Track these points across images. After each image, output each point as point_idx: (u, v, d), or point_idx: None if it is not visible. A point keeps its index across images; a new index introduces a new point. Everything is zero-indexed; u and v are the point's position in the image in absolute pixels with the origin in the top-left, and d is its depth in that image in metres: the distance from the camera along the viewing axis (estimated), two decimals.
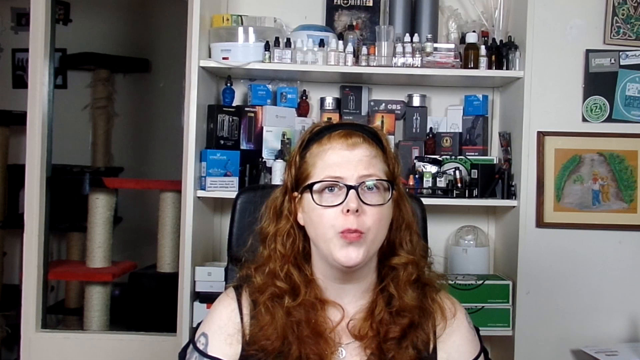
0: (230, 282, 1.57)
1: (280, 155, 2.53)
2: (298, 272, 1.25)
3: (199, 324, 1.33)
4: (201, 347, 1.27)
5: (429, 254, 1.33)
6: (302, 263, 1.26)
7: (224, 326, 1.26)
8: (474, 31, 2.58)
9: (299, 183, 1.25)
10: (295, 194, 1.26)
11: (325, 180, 1.20)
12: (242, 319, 1.26)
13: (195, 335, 1.31)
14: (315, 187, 1.20)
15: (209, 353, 1.26)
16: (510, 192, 2.52)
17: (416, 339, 1.24)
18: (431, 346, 1.26)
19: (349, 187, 1.18)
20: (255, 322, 1.24)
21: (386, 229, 1.24)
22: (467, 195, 2.52)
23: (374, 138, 1.25)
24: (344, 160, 1.20)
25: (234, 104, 2.67)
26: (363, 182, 1.19)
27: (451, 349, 1.28)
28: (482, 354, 1.32)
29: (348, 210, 1.17)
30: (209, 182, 2.46)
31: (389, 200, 1.22)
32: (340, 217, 1.18)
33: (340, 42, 2.54)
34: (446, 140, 2.68)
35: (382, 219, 1.21)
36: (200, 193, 2.47)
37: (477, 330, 1.35)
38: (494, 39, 2.57)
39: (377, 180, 1.20)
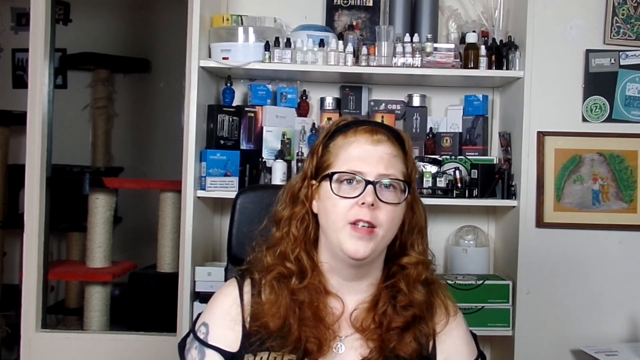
0: (236, 270, 1.57)
1: (280, 155, 2.53)
2: (307, 257, 1.27)
3: (199, 315, 1.34)
4: (202, 337, 1.28)
5: (433, 261, 1.35)
6: (311, 249, 1.28)
7: (225, 314, 1.28)
8: (474, 31, 2.58)
9: (319, 172, 1.27)
10: (314, 182, 1.28)
11: (346, 172, 1.22)
12: (242, 305, 1.27)
13: (195, 324, 1.31)
14: (335, 176, 1.22)
15: (210, 342, 1.26)
16: (510, 192, 2.52)
17: (418, 332, 1.25)
18: (430, 344, 1.27)
19: (368, 182, 1.20)
20: (258, 300, 1.26)
21: (396, 229, 1.26)
22: (467, 195, 2.51)
23: (398, 139, 1.28)
24: (366, 155, 1.23)
25: (234, 104, 2.67)
26: (381, 179, 1.21)
27: (450, 349, 1.29)
28: (480, 359, 1.33)
29: (363, 203, 1.19)
30: (209, 182, 2.46)
31: (403, 200, 1.24)
32: (354, 209, 1.20)
33: (340, 42, 2.54)
34: (446, 140, 2.68)
35: (395, 217, 1.23)
36: (200, 193, 2.47)
37: (475, 337, 1.36)
38: (494, 39, 2.57)
39: (395, 180, 1.22)
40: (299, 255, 1.26)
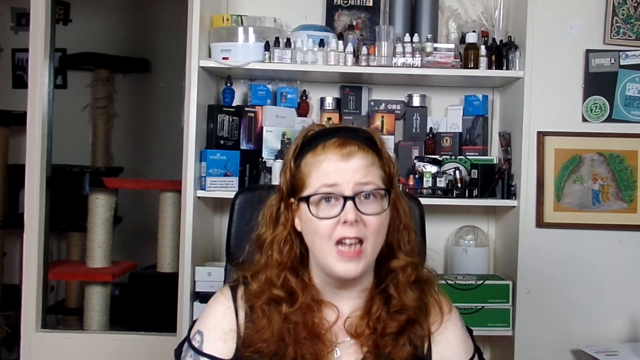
0: (229, 282, 1.57)
1: (280, 155, 2.53)
2: (295, 278, 1.25)
3: (194, 322, 1.33)
4: (196, 345, 1.27)
5: (425, 250, 1.34)
6: (300, 268, 1.26)
7: (219, 324, 1.27)
8: (474, 31, 2.58)
9: (295, 190, 1.24)
10: (292, 200, 1.25)
11: (321, 192, 1.19)
12: (237, 318, 1.26)
13: (190, 332, 1.31)
14: (311, 199, 1.19)
15: (204, 351, 1.26)
16: (510, 192, 2.52)
17: (413, 335, 1.24)
18: (426, 345, 1.26)
19: (346, 198, 1.17)
20: (251, 324, 1.24)
21: (384, 236, 1.23)
22: (467, 195, 2.51)
23: (369, 143, 1.23)
24: (339, 171, 1.19)
25: (234, 104, 2.67)
26: (360, 192, 1.18)
27: (445, 349, 1.28)
28: (476, 355, 1.32)
29: (345, 222, 1.16)
30: (209, 182, 2.46)
31: (387, 208, 1.21)
32: (338, 228, 1.17)
33: (340, 42, 2.53)
34: (446, 140, 2.67)
35: (381, 226, 1.21)
36: (200, 193, 2.47)
37: (470, 332, 1.35)
38: (494, 39, 2.57)
39: (374, 189, 1.19)
40: (286, 278, 1.24)
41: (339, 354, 1.24)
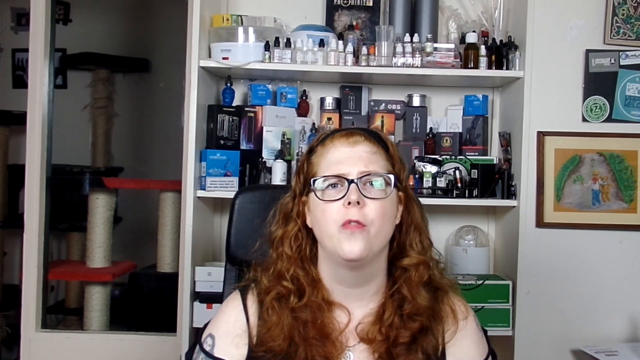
0: (229, 282, 1.58)
1: (280, 155, 2.53)
2: (304, 274, 1.26)
3: (206, 325, 1.33)
4: (207, 349, 1.27)
5: (440, 259, 1.34)
6: (309, 265, 1.27)
7: (231, 328, 1.27)
8: (474, 31, 2.58)
9: (306, 185, 1.27)
10: (304, 198, 1.28)
11: (326, 176, 1.22)
12: (248, 320, 1.26)
13: (201, 336, 1.31)
14: (318, 183, 1.22)
15: (215, 354, 1.26)
16: (510, 192, 2.52)
17: (426, 344, 1.24)
18: (440, 352, 1.26)
19: (350, 182, 1.20)
20: (262, 323, 1.25)
21: (391, 225, 1.24)
22: (467, 195, 2.51)
23: (376, 137, 1.28)
24: (345, 157, 1.23)
25: (234, 104, 2.67)
26: (364, 175, 1.21)
27: (459, 352, 1.28)
28: (490, 357, 1.33)
29: (349, 203, 1.19)
30: (209, 182, 2.46)
31: (390, 193, 1.23)
32: (342, 210, 1.20)
33: (340, 42, 2.54)
34: (446, 140, 2.67)
35: (386, 213, 1.22)
36: (200, 193, 2.47)
37: (485, 332, 1.35)
38: (494, 39, 2.57)
39: (376, 174, 1.22)
40: (295, 273, 1.26)
41: (352, 358, 1.24)
